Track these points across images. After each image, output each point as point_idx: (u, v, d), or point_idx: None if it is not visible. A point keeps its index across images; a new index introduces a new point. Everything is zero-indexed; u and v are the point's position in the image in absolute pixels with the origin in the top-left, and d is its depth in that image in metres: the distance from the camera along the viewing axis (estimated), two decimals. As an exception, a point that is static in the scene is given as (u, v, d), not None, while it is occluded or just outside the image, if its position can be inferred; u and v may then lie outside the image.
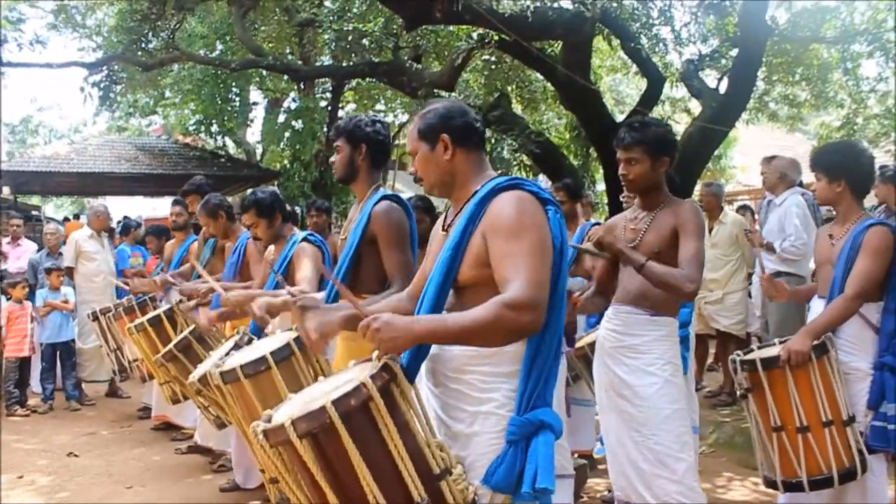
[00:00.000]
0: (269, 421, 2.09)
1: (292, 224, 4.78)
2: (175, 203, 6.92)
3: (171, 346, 4.92)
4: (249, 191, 4.52)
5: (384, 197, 3.44)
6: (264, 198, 4.51)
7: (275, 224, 4.53)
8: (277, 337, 3.61)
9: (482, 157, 2.48)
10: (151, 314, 5.78)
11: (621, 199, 5.62)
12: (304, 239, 4.39)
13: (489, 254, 2.24)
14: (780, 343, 3.71)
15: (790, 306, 5.77)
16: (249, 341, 4.00)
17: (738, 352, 3.74)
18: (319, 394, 2.13)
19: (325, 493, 2.01)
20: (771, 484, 3.62)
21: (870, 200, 4.31)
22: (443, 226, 2.51)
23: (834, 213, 3.90)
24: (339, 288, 2.35)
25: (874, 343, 3.60)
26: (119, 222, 11.58)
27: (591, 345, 4.53)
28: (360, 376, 2.02)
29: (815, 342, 3.46)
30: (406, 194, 4.48)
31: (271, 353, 3.28)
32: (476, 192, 2.36)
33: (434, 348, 2.31)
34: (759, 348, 3.89)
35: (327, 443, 1.98)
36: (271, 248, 4.69)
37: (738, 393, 3.70)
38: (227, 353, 3.83)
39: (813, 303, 3.93)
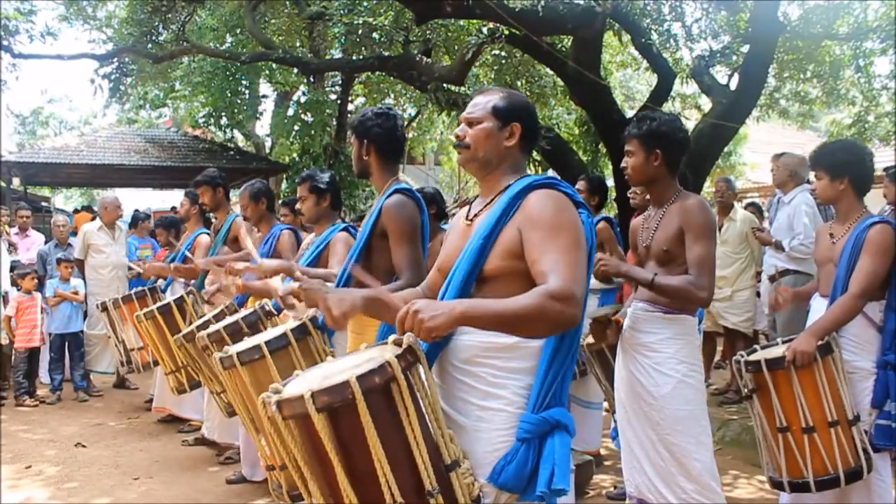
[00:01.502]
0: (278, 393, 2.04)
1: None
2: (185, 194, 6.95)
3: (193, 326, 4.93)
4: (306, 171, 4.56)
5: (397, 190, 3.44)
6: (323, 177, 4.50)
7: (321, 205, 4.47)
8: (283, 325, 3.64)
9: (525, 161, 2.52)
10: (161, 303, 5.79)
11: (628, 194, 5.62)
12: (345, 229, 4.39)
13: (525, 247, 2.22)
14: (785, 343, 3.70)
15: (798, 305, 5.76)
16: (269, 314, 4.05)
17: (742, 352, 3.72)
18: (336, 371, 2.08)
19: (335, 473, 1.95)
20: (777, 485, 3.60)
21: (873, 201, 4.24)
22: (466, 216, 2.50)
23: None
24: (363, 279, 2.34)
25: (877, 341, 3.59)
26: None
27: None
28: (384, 355, 1.97)
29: (820, 342, 3.45)
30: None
31: (266, 343, 3.34)
32: (509, 185, 2.37)
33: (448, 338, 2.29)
34: (763, 348, 3.86)
35: (344, 419, 1.92)
36: (311, 236, 4.71)
37: (742, 393, 3.67)
38: (238, 321, 3.98)
39: (814, 302, 3.91)
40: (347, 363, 2.17)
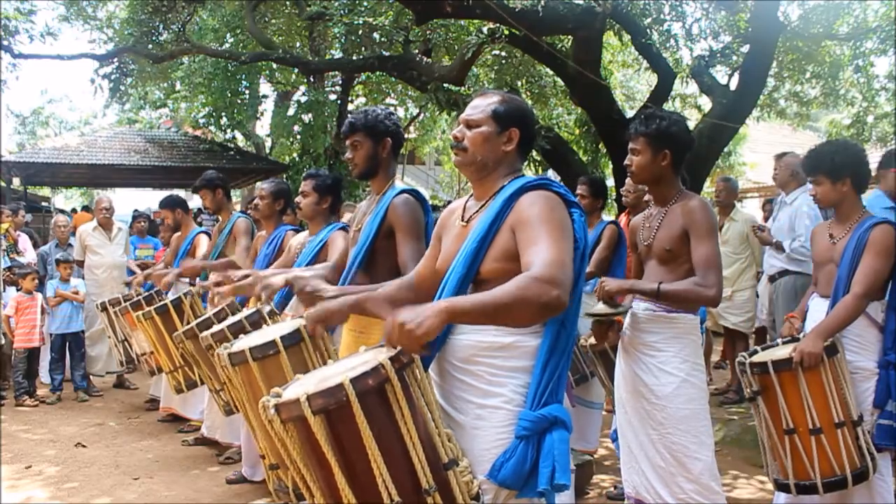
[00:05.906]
0: (278, 397, 2.08)
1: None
2: (162, 206, 7.07)
3: (193, 324, 4.92)
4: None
5: (403, 191, 3.47)
6: (326, 177, 4.58)
7: (321, 205, 4.53)
8: (288, 322, 3.63)
9: (521, 164, 2.53)
10: (159, 304, 5.79)
11: (621, 192, 5.58)
12: (342, 228, 4.42)
13: (518, 247, 2.24)
14: (784, 343, 3.68)
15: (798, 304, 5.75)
16: (272, 313, 4.07)
17: (743, 354, 3.69)
18: (333, 374, 2.12)
19: (333, 473, 1.99)
20: (782, 487, 3.56)
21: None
22: (462, 217, 2.51)
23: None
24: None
25: (879, 341, 3.59)
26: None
27: None
28: (378, 358, 2.01)
29: (825, 343, 3.43)
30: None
31: (281, 338, 3.31)
32: (503, 187, 2.39)
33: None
34: (764, 349, 3.83)
35: (340, 421, 1.96)
36: (301, 235, 4.72)
37: (746, 395, 3.65)
38: (242, 320, 3.96)
39: (811, 302, 3.89)
40: (344, 366, 2.20)
